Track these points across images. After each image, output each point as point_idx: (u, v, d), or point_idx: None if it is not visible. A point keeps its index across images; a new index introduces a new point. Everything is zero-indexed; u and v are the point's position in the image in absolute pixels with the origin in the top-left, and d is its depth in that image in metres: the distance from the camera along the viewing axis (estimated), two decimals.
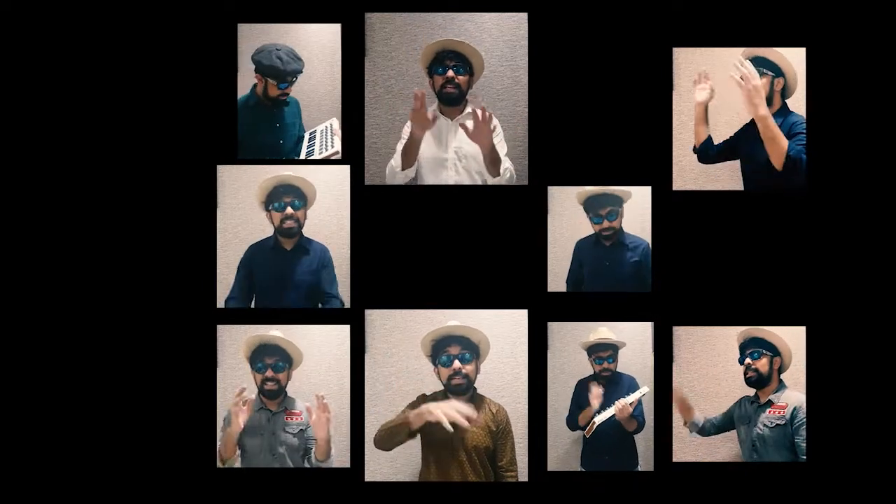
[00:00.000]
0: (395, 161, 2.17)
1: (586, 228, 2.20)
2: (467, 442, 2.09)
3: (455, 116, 2.22)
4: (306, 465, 2.14)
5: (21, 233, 2.08)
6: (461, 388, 2.11)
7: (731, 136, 2.17)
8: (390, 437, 2.07)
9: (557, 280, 2.15)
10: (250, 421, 2.13)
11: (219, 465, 2.10)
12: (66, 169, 2.09)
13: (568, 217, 2.15)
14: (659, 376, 2.13)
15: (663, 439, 2.13)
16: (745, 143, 2.15)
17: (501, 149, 2.16)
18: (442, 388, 2.14)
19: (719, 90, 2.14)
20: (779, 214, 2.11)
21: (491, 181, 2.16)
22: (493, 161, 2.13)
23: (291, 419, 2.15)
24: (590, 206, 2.16)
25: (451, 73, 2.16)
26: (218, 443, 2.11)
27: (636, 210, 2.14)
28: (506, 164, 2.15)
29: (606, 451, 2.16)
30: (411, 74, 2.22)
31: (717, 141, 2.16)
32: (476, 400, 2.13)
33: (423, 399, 2.12)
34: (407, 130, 2.17)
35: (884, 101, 2.10)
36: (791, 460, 2.09)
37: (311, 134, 2.18)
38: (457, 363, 2.10)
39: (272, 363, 2.13)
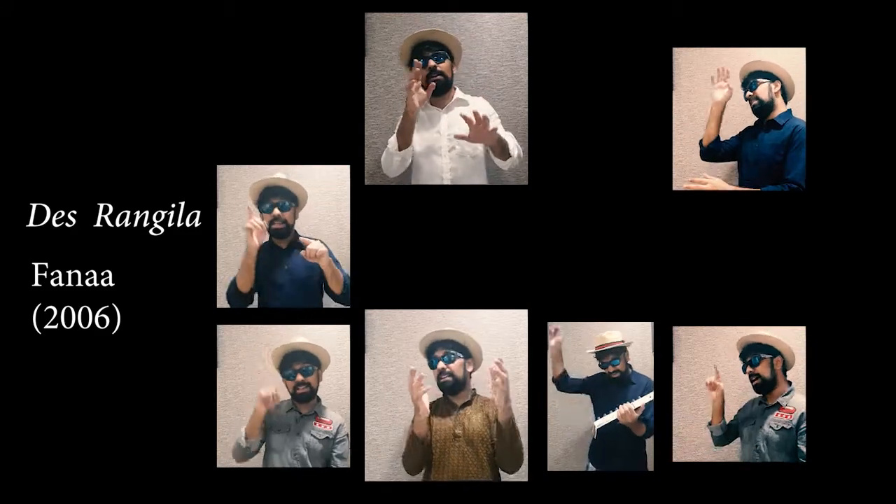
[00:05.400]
0: (392, 145, 2.17)
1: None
2: (469, 433, 2.11)
3: (445, 105, 2.22)
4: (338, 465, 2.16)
5: (21, 234, 2.08)
6: (449, 386, 2.13)
7: (735, 136, 2.19)
8: (409, 456, 2.11)
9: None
10: (278, 418, 2.15)
11: (242, 444, 2.11)
12: (66, 167, 2.09)
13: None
14: (659, 376, 2.13)
15: (663, 439, 2.13)
16: (746, 145, 2.17)
17: (505, 135, 2.17)
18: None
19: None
20: (778, 214, 2.11)
21: (504, 167, 2.18)
22: (502, 149, 2.15)
23: (320, 426, 2.16)
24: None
25: (431, 62, 2.17)
26: (244, 426, 2.12)
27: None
28: (512, 145, 2.16)
29: (615, 452, 2.16)
30: None
31: (724, 139, 2.19)
32: (477, 401, 2.15)
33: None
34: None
35: (884, 101, 2.10)
36: (790, 463, 2.09)
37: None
38: (441, 364, 2.12)
39: (301, 368, 2.14)
